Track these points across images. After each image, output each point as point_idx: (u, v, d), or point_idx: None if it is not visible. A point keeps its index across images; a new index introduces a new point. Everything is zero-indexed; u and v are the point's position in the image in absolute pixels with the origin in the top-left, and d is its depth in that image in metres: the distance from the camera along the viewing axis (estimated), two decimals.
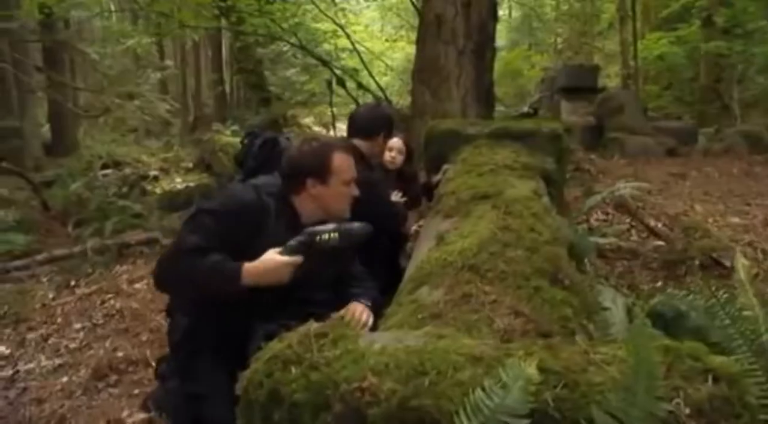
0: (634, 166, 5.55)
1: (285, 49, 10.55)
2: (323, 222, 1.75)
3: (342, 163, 1.76)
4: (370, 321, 1.73)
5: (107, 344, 2.99)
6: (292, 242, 1.61)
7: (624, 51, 11.89)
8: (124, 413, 2.37)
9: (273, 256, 1.61)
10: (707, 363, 0.90)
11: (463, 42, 5.58)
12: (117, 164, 10.59)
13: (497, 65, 14.21)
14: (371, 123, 2.44)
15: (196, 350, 1.78)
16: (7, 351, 3.04)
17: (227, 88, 14.71)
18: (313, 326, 1.11)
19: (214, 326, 1.74)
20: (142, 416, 2.26)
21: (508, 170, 2.59)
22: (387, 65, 13.32)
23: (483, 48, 5.66)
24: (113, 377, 2.66)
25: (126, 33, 11.11)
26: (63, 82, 11.77)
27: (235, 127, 10.71)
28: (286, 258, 1.60)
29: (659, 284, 2.80)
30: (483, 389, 0.86)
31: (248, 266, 1.59)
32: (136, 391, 2.51)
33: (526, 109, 9.84)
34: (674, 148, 6.17)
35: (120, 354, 2.85)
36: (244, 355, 1.77)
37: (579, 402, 0.84)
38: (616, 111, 6.58)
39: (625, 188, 3.00)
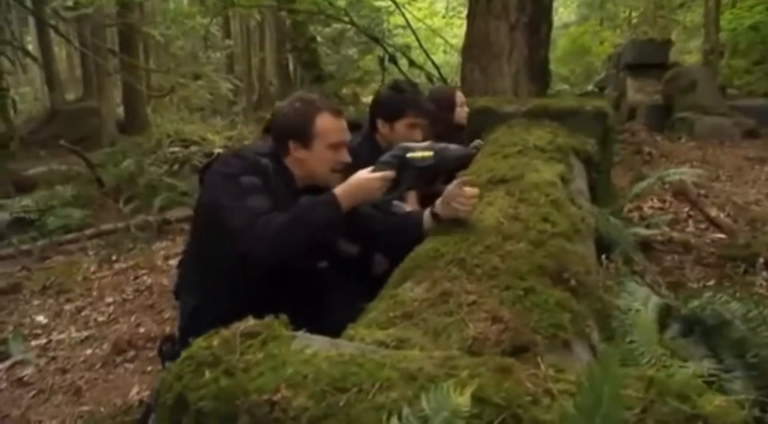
0: (703, 149, 5.02)
1: (348, 27, 10.45)
2: (315, 188, 1.64)
3: (326, 125, 1.61)
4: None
5: (132, 319, 3.06)
6: (384, 157, 1.55)
7: (708, 22, 10.82)
8: (134, 390, 2.39)
9: (362, 172, 1.54)
10: (698, 407, 0.70)
11: (516, 15, 5.23)
12: (184, 142, 10.97)
13: (563, 42, 13.43)
14: (369, 112, 2.24)
15: (202, 332, 1.72)
16: (45, 321, 3.18)
17: (291, 67, 14.81)
18: (248, 323, 1.00)
19: (220, 306, 1.67)
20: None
21: (538, 152, 2.35)
22: (447, 42, 12.91)
23: (537, 21, 5.29)
24: (131, 353, 2.70)
25: (189, 14, 11.39)
26: (133, 64, 12.33)
27: None
28: (376, 174, 1.52)
29: (711, 282, 2.48)
30: (399, 418, 0.70)
31: (338, 190, 1.51)
32: (150, 368, 2.53)
33: (591, 87, 9.22)
34: (754, 129, 5.51)
35: (141, 330, 2.89)
36: None
37: None
38: (686, 89, 5.97)
39: (676, 174, 2.66)
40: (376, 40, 8.12)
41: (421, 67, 8.18)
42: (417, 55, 9.51)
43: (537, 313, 1.16)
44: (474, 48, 5.50)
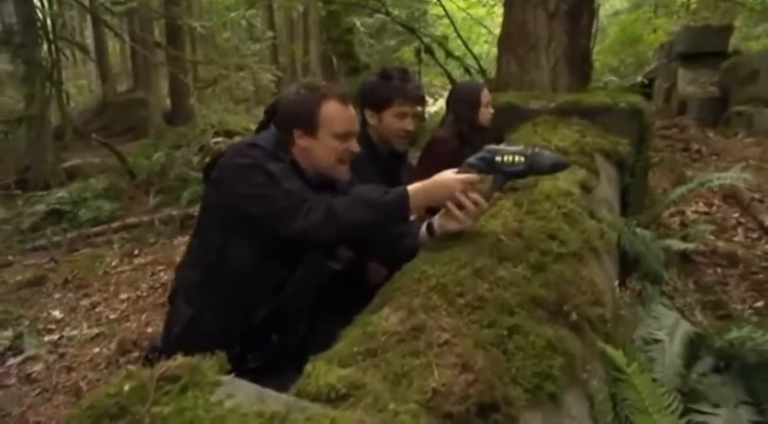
0: (762, 146, 4.56)
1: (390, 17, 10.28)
2: (325, 182, 1.52)
3: (332, 112, 1.48)
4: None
5: (143, 317, 3.03)
6: (470, 159, 1.40)
7: None
8: None
9: (447, 172, 1.41)
10: None
11: (555, 3, 4.91)
12: (227, 132, 11.15)
13: (613, 31, 12.75)
14: (359, 104, 2.08)
15: (194, 344, 1.63)
16: (60, 316, 3.20)
17: (334, 58, 14.76)
18: (174, 362, 0.87)
19: (220, 318, 1.58)
20: None
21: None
22: (490, 32, 12.51)
23: (579, 9, 4.96)
24: (135, 354, 2.66)
25: (230, 6, 11.48)
26: (177, 56, 12.61)
27: None
28: (461, 175, 1.37)
29: (759, 303, 2.19)
30: None
31: (413, 187, 1.38)
32: None
33: (640, 78, 8.66)
34: None
35: (149, 330, 2.85)
36: (245, 353, 1.62)
37: None
38: (746, 79, 5.46)
39: (720, 179, 2.36)
40: (412, 31, 7.90)
41: (458, 58, 7.91)
42: (458, 46, 9.22)
43: (520, 358, 0.99)
44: (510, 38, 5.22)
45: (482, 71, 8.23)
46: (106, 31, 13.80)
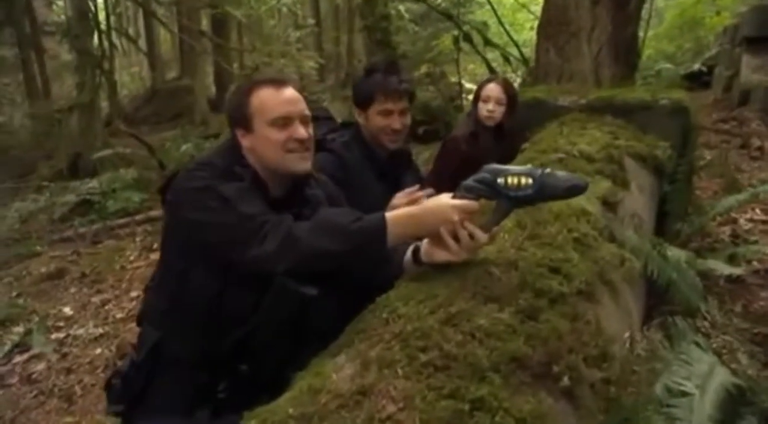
0: None
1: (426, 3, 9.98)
2: (292, 197, 1.35)
3: (263, 99, 1.30)
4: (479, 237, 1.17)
5: None
6: (468, 181, 1.19)
7: None
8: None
9: (443, 196, 1.23)
10: None
11: None
12: None
13: (671, 15, 11.93)
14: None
15: (158, 371, 1.50)
16: (70, 313, 3.19)
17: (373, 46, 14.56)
18: None
19: (186, 344, 1.44)
20: None
21: (584, 162, 1.86)
22: (536, 17, 11.95)
23: None
24: None
25: None
26: (220, 44, 12.77)
27: None
28: (456, 201, 1.18)
29: None
30: None
31: (394, 214, 1.20)
32: None
33: (697, 66, 8.03)
34: None
35: None
36: (214, 383, 1.49)
37: None
38: None
39: None
40: (449, 17, 7.58)
41: (496, 46, 7.55)
42: (502, 32, 8.81)
43: None
44: (550, 25, 4.87)
45: (524, 60, 7.84)
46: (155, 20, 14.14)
